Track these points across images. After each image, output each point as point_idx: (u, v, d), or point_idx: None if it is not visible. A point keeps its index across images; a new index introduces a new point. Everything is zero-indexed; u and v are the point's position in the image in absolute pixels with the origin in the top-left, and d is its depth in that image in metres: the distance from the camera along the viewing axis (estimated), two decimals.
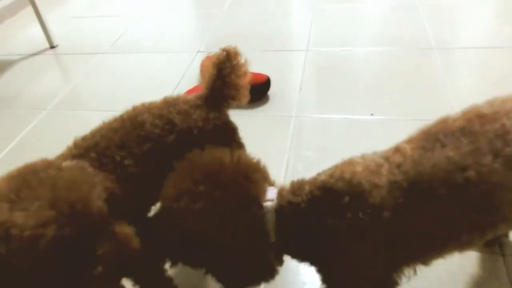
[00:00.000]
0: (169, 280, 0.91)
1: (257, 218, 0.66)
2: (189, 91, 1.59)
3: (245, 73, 0.88)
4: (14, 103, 1.82)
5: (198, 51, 2.02)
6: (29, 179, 0.59)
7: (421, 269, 0.73)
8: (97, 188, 0.63)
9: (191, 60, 1.94)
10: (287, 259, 0.73)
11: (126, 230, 0.65)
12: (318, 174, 0.71)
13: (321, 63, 1.81)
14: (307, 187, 0.68)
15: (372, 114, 1.47)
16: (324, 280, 0.72)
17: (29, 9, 2.39)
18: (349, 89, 1.62)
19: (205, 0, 2.66)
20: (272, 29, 2.15)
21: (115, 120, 0.82)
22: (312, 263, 0.72)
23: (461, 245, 0.70)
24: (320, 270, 0.72)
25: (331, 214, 0.64)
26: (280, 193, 0.69)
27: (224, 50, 0.85)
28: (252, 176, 0.68)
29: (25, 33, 2.48)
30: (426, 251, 0.70)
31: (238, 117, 1.52)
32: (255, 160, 0.73)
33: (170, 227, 0.68)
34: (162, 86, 1.79)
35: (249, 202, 0.66)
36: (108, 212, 0.64)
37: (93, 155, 0.75)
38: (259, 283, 0.74)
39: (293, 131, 1.44)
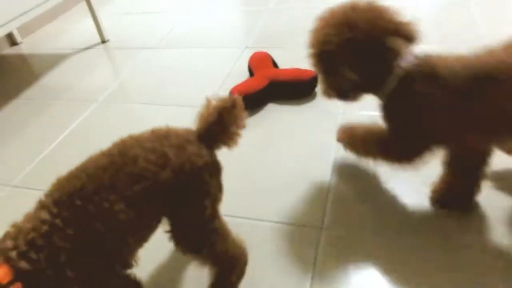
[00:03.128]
0: None
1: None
2: (234, 88, 1.59)
3: (244, 125, 0.87)
4: (67, 95, 1.88)
5: (246, 47, 2.02)
6: None
7: None
8: None
9: (238, 56, 1.95)
10: None
11: None
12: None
13: None
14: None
15: None
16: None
17: (82, 5, 2.47)
18: None
19: None
20: None
21: (103, 155, 0.78)
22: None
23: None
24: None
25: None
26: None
27: (231, 98, 0.84)
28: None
29: (78, 28, 2.56)
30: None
31: (285, 112, 1.53)
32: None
33: None
34: (209, 81, 1.80)
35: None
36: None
37: (78, 202, 0.70)
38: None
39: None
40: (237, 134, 0.86)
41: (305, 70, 1.61)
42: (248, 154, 1.37)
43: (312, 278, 0.98)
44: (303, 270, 1.00)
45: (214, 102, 0.84)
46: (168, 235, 0.85)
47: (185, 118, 1.57)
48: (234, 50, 2.01)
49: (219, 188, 0.86)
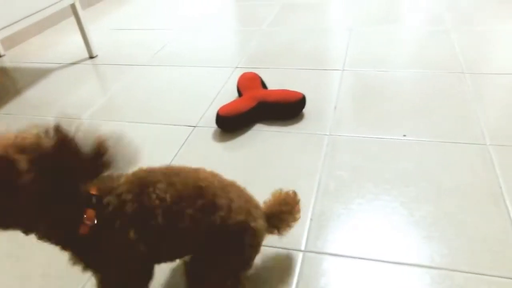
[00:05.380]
0: None
1: None
2: (222, 108, 1.59)
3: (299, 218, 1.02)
4: (49, 111, 1.84)
5: (236, 67, 2.03)
6: None
7: None
8: None
9: (228, 75, 1.96)
10: None
11: None
12: None
13: (357, 83, 1.80)
14: None
15: (404, 135, 1.46)
16: None
17: (71, 19, 2.45)
18: (383, 109, 1.61)
19: (245, 18, 2.70)
20: (309, 48, 2.16)
21: (208, 182, 0.87)
22: None
23: None
24: None
25: None
26: None
27: (293, 192, 1.01)
28: None
29: (65, 42, 2.55)
30: None
31: (273, 133, 1.54)
32: None
33: None
34: (198, 100, 1.80)
35: None
36: None
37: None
38: None
39: (326, 149, 1.43)
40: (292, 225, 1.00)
41: (294, 92, 1.62)
42: (234, 174, 1.35)
43: None
44: None
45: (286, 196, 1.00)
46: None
47: (173, 137, 1.57)
48: (225, 70, 2.02)
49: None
